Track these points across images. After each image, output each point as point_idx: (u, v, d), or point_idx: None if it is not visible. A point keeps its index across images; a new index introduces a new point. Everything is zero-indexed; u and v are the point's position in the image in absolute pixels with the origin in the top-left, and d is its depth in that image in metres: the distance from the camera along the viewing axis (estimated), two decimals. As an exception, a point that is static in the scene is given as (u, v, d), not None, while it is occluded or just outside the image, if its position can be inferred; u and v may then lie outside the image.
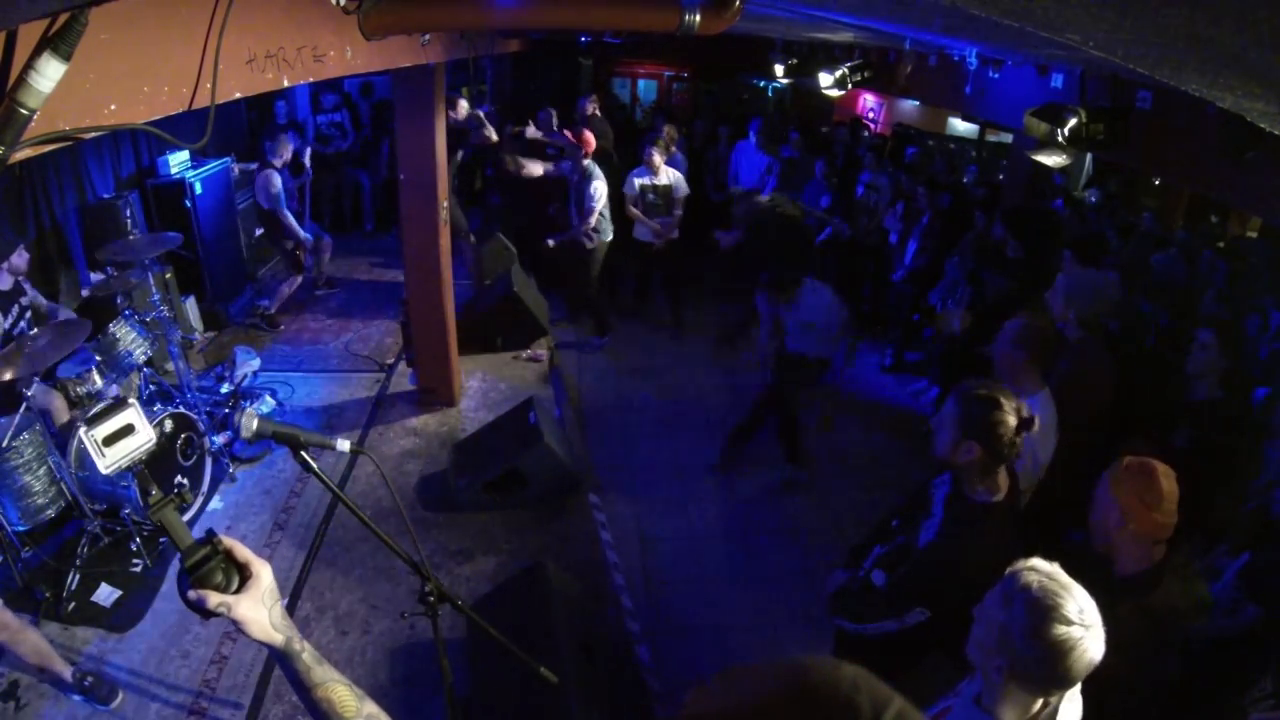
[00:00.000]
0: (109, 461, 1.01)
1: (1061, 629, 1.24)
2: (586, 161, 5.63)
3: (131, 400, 1.06)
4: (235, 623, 0.97)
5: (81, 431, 1.00)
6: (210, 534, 0.99)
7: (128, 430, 1.03)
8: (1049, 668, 1.26)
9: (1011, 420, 1.89)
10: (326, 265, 6.62)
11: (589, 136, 5.65)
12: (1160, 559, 1.82)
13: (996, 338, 2.65)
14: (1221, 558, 2.57)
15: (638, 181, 5.90)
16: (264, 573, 1.00)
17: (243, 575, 0.99)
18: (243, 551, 1.01)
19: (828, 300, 4.08)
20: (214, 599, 0.95)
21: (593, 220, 5.67)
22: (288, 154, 5.78)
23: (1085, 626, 1.26)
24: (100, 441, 1.00)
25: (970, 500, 2.00)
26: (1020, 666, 1.29)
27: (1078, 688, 1.37)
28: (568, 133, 5.79)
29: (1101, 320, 3.27)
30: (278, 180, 5.63)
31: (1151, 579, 1.81)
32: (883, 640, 2.09)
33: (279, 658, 1.02)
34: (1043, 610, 1.26)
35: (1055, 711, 1.35)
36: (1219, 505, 2.76)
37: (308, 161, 6.23)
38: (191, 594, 0.96)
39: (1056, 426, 2.56)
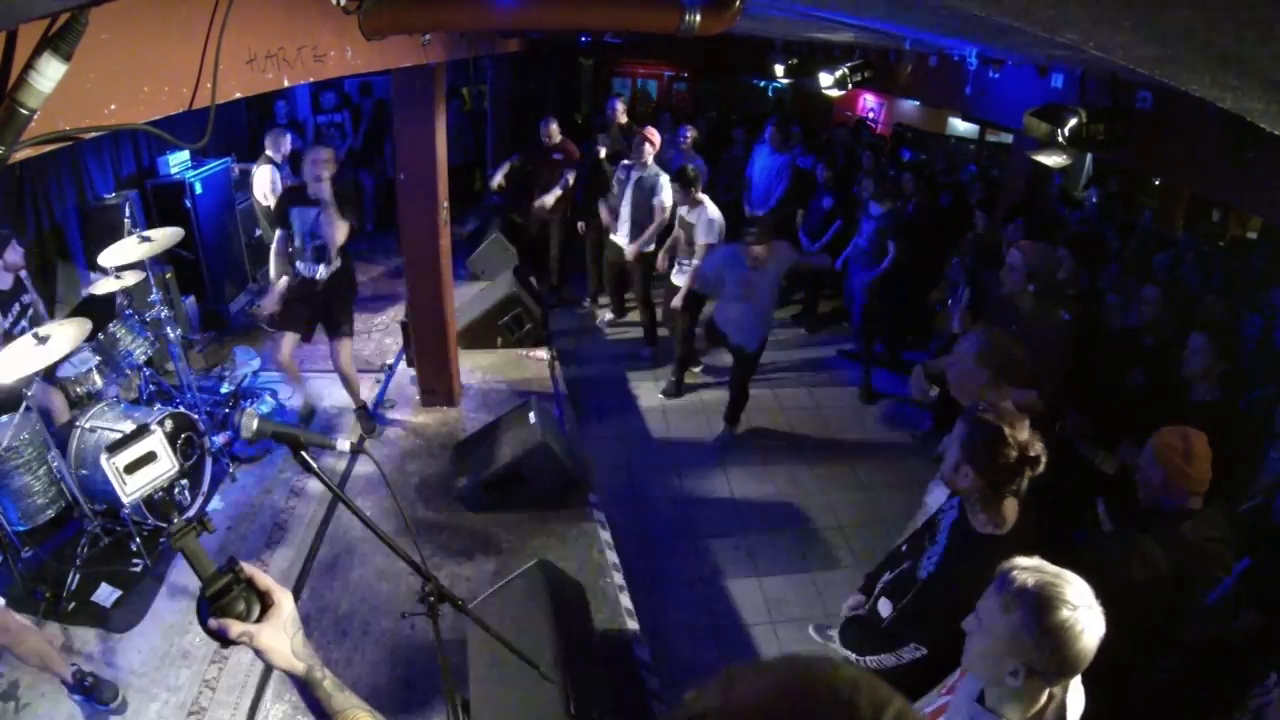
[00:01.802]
0: (131, 490, 1.00)
1: (1068, 614, 1.26)
2: (653, 165, 5.43)
3: (154, 427, 1.04)
4: (257, 651, 0.97)
5: (103, 459, 0.97)
6: (231, 561, 0.99)
7: (149, 458, 1.02)
8: (1062, 656, 1.27)
9: (1013, 453, 1.80)
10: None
11: (653, 133, 5.44)
12: (1197, 506, 2.09)
13: (953, 352, 2.57)
14: None
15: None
16: (285, 601, 1.00)
17: (264, 604, 0.99)
18: (264, 580, 1.00)
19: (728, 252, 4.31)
20: (236, 628, 0.96)
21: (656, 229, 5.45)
22: (286, 147, 5.76)
23: (1088, 608, 1.28)
24: (122, 470, 0.99)
25: (973, 533, 1.93)
26: (1038, 664, 1.30)
27: (1079, 679, 1.38)
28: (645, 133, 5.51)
29: (1054, 293, 3.34)
30: (275, 174, 5.59)
31: (1185, 514, 2.09)
32: (885, 675, 2.05)
33: (300, 686, 1.01)
34: (1046, 602, 1.28)
35: (1063, 704, 1.36)
36: (1218, 506, 2.76)
37: None
38: (213, 623, 0.96)
39: None
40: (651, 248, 5.58)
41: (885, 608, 2.15)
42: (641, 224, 5.51)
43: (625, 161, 5.69)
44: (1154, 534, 2.06)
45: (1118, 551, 2.09)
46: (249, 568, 1.00)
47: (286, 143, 5.78)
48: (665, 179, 5.36)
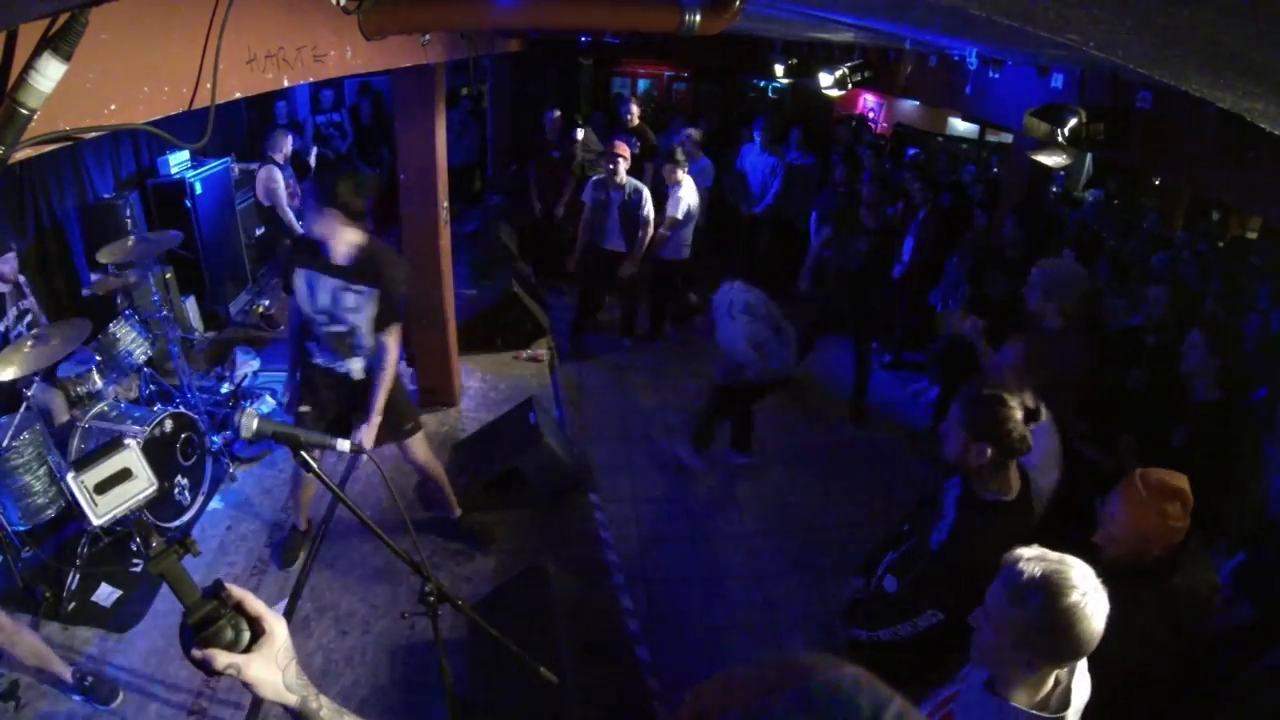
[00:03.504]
0: (102, 511, 0.89)
1: (1077, 598, 1.30)
2: (628, 179, 5.39)
3: (129, 441, 0.91)
4: (245, 684, 0.90)
5: (70, 477, 0.88)
6: (218, 586, 0.91)
7: (124, 475, 0.90)
8: (1072, 639, 1.31)
9: (1019, 415, 1.90)
10: None
11: (622, 148, 5.36)
12: (1176, 545, 1.87)
13: (997, 364, 2.59)
14: (1216, 556, 2.56)
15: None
16: (278, 629, 0.93)
17: (254, 630, 0.92)
18: (254, 605, 0.93)
19: (752, 300, 3.82)
20: (222, 659, 0.88)
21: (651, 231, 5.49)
22: (288, 148, 5.76)
23: (1095, 590, 1.33)
24: (91, 488, 0.88)
25: (983, 500, 2.00)
26: (1050, 650, 1.34)
27: (1085, 666, 1.41)
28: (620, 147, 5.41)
29: (1080, 310, 3.28)
30: (279, 175, 5.61)
31: (1170, 564, 1.88)
32: (898, 646, 2.08)
33: (295, 718, 0.95)
34: (1055, 589, 1.31)
35: (1067, 690, 1.39)
36: (1217, 504, 2.76)
37: (312, 161, 6.22)
38: (196, 653, 0.88)
39: (1060, 458, 2.51)
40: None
41: (891, 584, 2.18)
42: (629, 233, 5.53)
43: (597, 177, 5.57)
44: (1147, 595, 1.86)
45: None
46: (238, 591, 0.92)
47: (288, 144, 5.77)
48: (646, 192, 5.44)
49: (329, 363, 3.11)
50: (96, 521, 0.89)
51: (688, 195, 5.49)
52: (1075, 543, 2.46)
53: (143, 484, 0.92)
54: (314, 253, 2.90)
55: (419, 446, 3.43)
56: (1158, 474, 1.87)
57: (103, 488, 0.89)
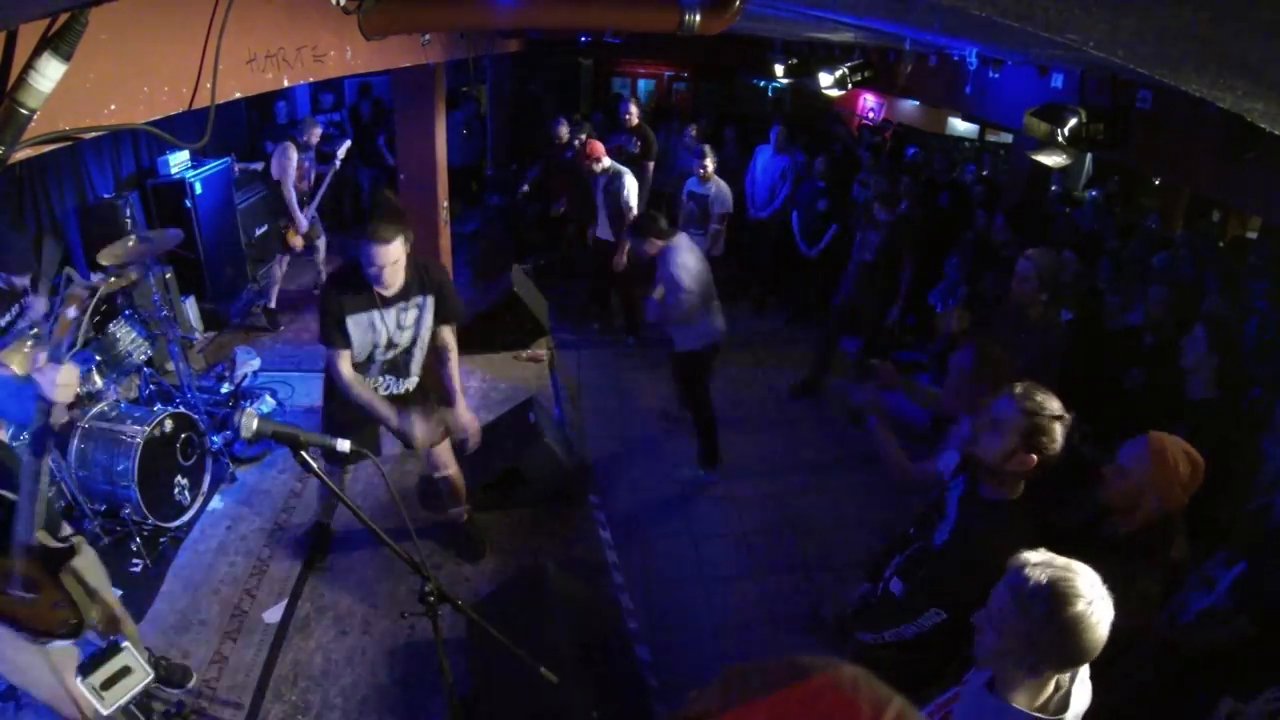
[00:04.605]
0: (109, 703, 1.03)
1: (1083, 607, 1.30)
2: (607, 162, 5.55)
3: (124, 644, 1.06)
4: None
5: (79, 681, 1.02)
6: None
7: (124, 672, 1.04)
8: (1078, 647, 1.31)
9: (1060, 428, 1.89)
10: (323, 263, 6.34)
11: (596, 146, 5.56)
12: (1172, 515, 1.95)
13: (952, 368, 2.59)
14: (1217, 567, 2.54)
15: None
16: None
17: None
18: None
19: (695, 259, 3.93)
20: None
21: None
22: (315, 137, 5.68)
23: (1101, 599, 1.32)
24: (98, 686, 1.02)
25: (985, 499, 2.01)
26: (1055, 657, 1.34)
27: (1087, 672, 1.41)
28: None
29: (1059, 298, 3.37)
30: (293, 153, 5.48)
31: (1166, 539, 1.94)
32: (903, 648, 2.07)
33: None
34: (1061, 597, 1.31)
35: (1068, 694, 1.39)
36: (1218, 506, 2.75)
37: (341, 154, 6.04)
38: None
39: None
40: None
41: (897, 587, 2.17)
42: (615, 221, 5.67)
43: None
44: (1147, 564, 1.93)
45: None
46: None
47: (316, 133, 5.68)
48: (628, 176, 5.57)
49: (388, 388, 3.16)
50: (106, 713, 1.02)
51: (726, 189, 5.74)
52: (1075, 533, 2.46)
53: (140, 676, 1.10)
54: (359, 291, 2.84)
55: (449, 449, 3.48)
56: (1161, 438, 1.97)
57: (107, 684, 1.03)
